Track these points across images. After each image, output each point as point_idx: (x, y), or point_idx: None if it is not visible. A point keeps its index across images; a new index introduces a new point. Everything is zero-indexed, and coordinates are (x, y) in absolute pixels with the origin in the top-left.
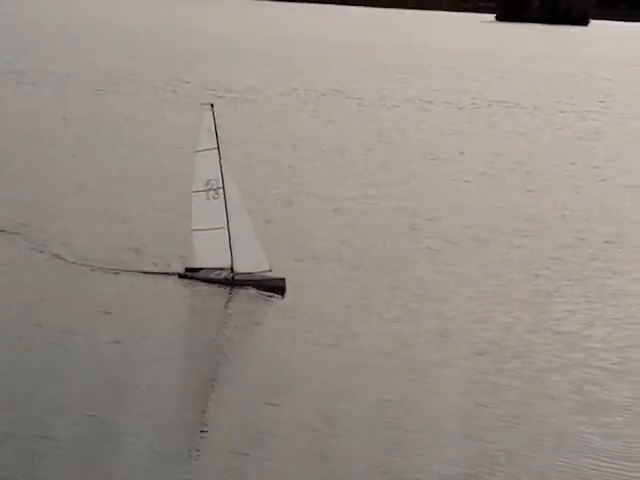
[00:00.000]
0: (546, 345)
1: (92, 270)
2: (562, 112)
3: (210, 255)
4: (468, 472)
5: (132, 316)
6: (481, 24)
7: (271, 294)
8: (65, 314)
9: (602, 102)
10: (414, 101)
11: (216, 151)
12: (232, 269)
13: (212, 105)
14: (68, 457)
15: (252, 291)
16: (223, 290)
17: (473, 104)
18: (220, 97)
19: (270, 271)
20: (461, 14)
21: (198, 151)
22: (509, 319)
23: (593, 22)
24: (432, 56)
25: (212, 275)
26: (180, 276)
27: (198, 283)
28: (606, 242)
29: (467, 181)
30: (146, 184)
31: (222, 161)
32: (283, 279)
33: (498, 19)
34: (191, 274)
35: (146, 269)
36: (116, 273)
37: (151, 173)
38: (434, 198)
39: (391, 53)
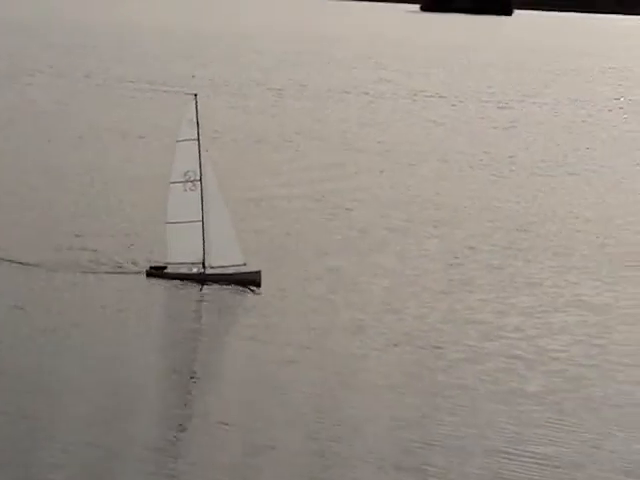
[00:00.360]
0: (460, 335)
1: (48, 271)
2: (481, 102)
3: (184, 250)
4: (388, 464)
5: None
6: (405, 14)
7: (245, 288)
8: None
9: (520, 91)
10: (333, 92)
11: (196, 142)
12: (203, 264)
13: (196, 95)
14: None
15: (223, 286)
16: (193, 287)
17: (393, 94)
18: (137, 90)
19: (245, 265)
20: (385, 4)
21: (178, 141)
22: (423, 309)
23: (517, 12)
24: (354, 46)
25: (183, 271)
26: (148, 274)
27: (168, 281)
28: (518, 230)
29: (382, 171)
30: (70, 178)
31: (202, 152)
32: (258, 272)
33: (423, 9)
34: (158, 272)
35: (89, 267)
36: (79, 274)
37: (74, 166)
38: (350, 188)
39: (312, 43)
